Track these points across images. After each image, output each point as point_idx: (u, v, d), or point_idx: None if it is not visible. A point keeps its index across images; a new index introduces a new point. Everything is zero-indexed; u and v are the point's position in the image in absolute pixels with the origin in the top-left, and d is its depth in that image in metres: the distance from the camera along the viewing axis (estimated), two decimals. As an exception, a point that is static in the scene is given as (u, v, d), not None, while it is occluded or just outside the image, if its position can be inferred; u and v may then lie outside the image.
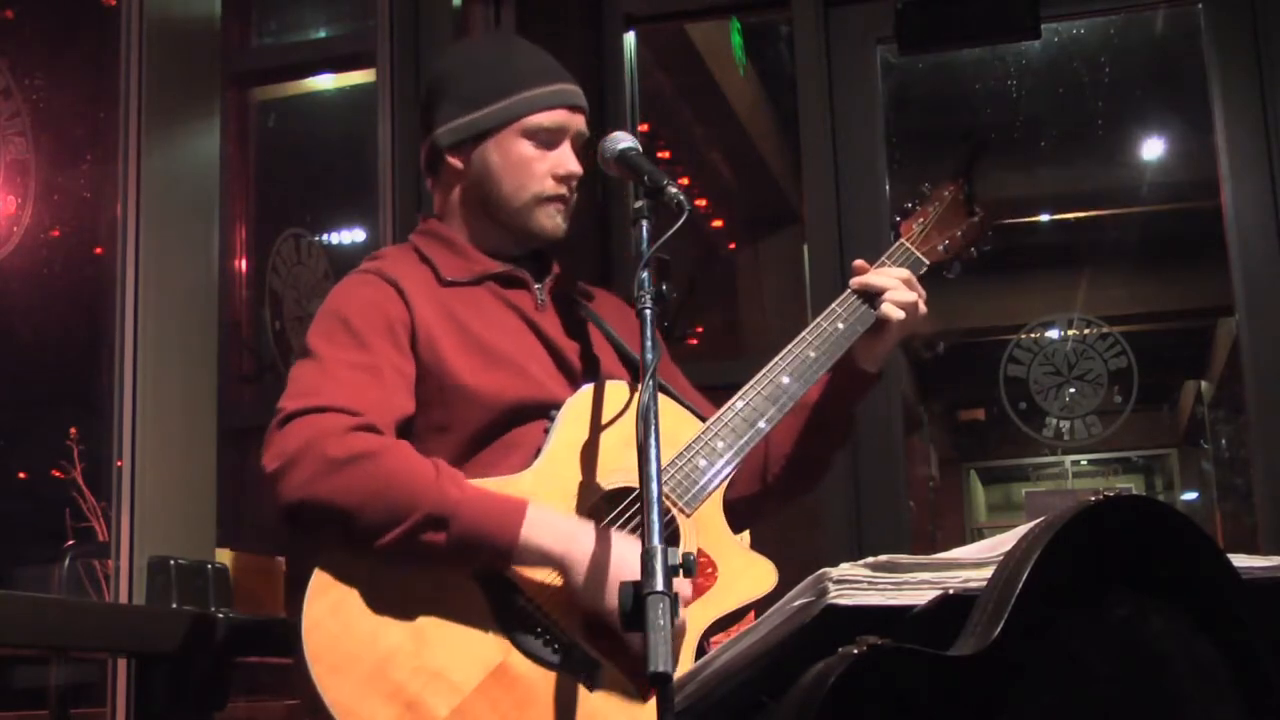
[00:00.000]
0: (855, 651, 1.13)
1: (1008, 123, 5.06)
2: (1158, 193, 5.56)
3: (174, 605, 2.12)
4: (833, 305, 2.10)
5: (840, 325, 2.08)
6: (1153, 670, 1.24)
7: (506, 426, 1.94)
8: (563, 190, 2.09)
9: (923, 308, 2.12)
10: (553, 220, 2.10)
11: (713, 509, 1.94)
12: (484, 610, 1.79)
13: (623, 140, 1.96)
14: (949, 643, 1.19)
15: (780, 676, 1.22)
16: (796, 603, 1.29)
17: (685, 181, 6.11)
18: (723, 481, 1.94)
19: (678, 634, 1.77)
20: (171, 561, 2.15)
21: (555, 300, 2.14)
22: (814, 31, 3.66)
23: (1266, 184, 3.40)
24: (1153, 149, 5.44)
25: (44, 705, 2.90)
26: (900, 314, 2.09)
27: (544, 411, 1.96)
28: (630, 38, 3.88)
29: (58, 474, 3.49)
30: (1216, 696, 1.25)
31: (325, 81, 4.41)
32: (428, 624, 1.77)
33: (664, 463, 1.84)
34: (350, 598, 1.77)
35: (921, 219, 2.23)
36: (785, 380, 2.01)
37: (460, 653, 1.76)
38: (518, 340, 2.03)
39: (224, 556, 2.89)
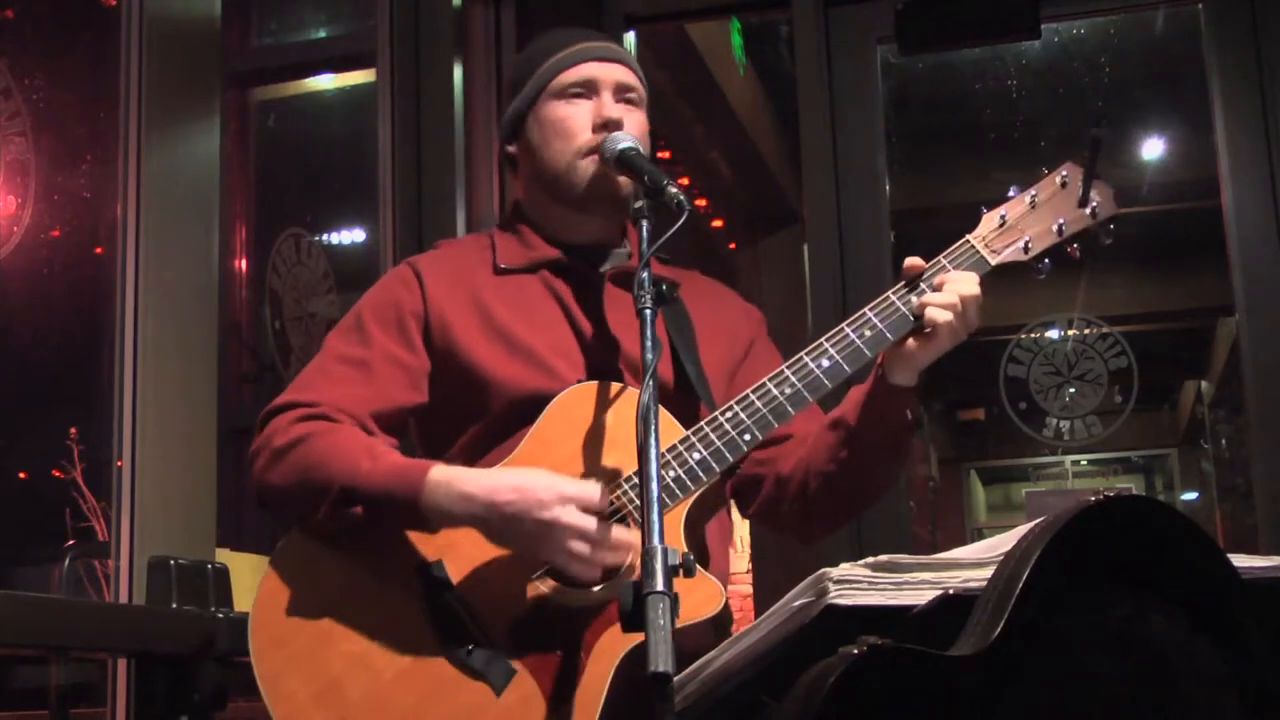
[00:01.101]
0: (855, 651, 1.13)
1: (1008, 123, 5.06)
2: (1158, 193, 5.56)
3: (174, 605, 2.12)
4: (864, 310, 1.87)
5: (867, 332, 1.85)
6: (1153, 670, 1.24)
7: (528, 418, 1.90)
8: (605, 138, 1.98)
9: (972, 316, 1.85)
10: (602, 168, 1.98)
11: (671, 521, 1.79)
12: (416, 605, 1.81)
13: (623, 140, 1.94)
14: (949, 643, 1.19)
15: (780, 676, 1.22)
16: (796, 603, 1.29)
17: (685, 181, 6.12)
18: (690, 494, 1.82)
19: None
20: (171, 561, 2.15)
21: (621, 289, 2.01)
22: (814, 31, 3.66)
23: (1266, 184, 3.40)
24: (1153, 149, 5.44)
25: (44, 705, 2.90)
26: (945, 316, 1.82)
27: None
28: (630, 38, 3.87)
29: (58, 474, 3.49)
30: (1216, 696, 1.25)
31: (325, 81, 4.42)
32: (362, 612, 1.81)
33: (627, 470, 1.82)
34: (301, 578, 1.83)
35: (1004, 211, 1.93)
36: (787, 391, 1.84)
37: (385, 643, 1.79)
38: (550, 332, 1.98)
39: (224, 556, 2.90)
